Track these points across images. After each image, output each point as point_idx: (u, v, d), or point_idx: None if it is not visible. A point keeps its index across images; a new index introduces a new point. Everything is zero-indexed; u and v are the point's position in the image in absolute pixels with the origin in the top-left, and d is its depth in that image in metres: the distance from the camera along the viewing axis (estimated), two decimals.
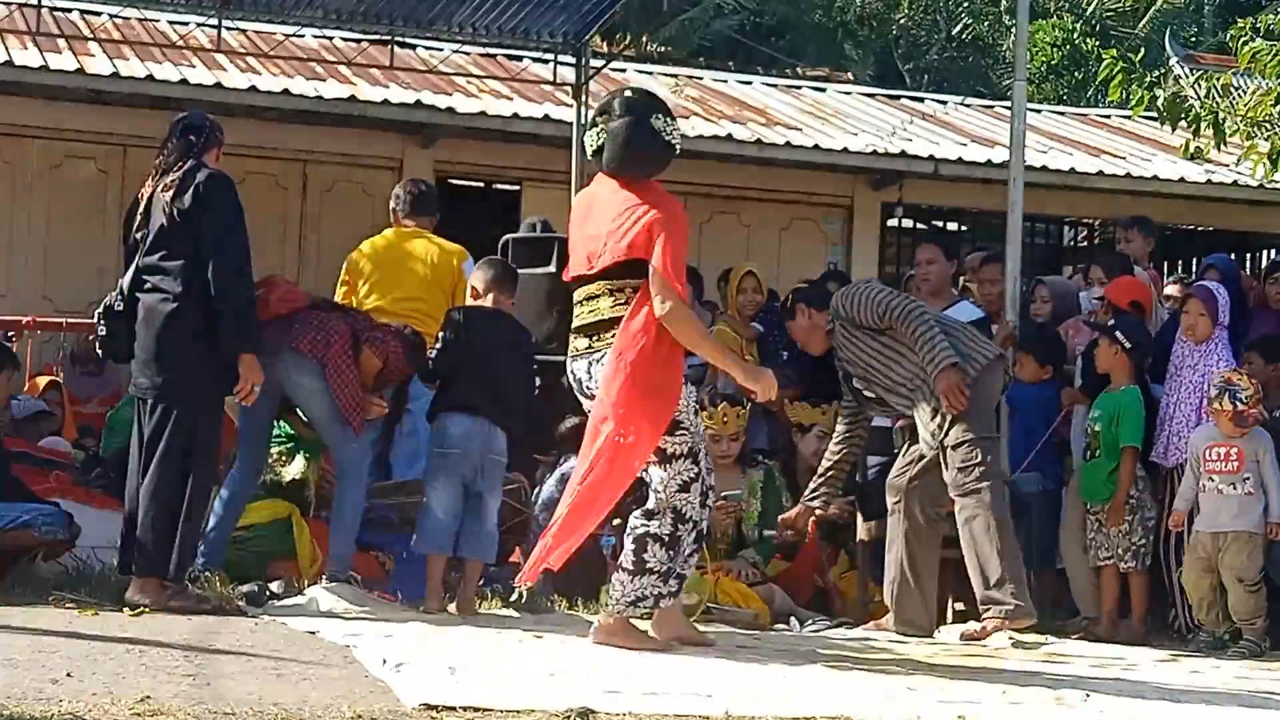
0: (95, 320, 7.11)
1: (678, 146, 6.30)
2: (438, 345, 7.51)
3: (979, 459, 7.47)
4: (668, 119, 6.28)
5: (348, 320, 7.47)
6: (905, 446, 7.74)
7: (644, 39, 21.98)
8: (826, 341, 7.87)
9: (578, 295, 6.35)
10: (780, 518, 8.15)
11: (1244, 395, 7.68)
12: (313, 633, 6.19)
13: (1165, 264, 14.20)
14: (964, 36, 26.64)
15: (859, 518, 8.39)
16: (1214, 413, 7.73)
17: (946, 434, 7.45)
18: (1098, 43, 23.71)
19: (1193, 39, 22.56)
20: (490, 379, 7.28)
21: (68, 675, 4.80)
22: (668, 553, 6.17)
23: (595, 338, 6.23)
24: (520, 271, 8.00)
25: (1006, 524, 7.51)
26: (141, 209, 6.93)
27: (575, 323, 6.34)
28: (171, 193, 6.80)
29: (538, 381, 8.15)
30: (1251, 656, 7.40)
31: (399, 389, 7.66)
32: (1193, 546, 7.77)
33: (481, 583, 7.45)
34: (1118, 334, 8.11)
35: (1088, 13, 24.26)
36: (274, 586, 7.17)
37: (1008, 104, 10.35)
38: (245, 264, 6.84)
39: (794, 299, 8.07)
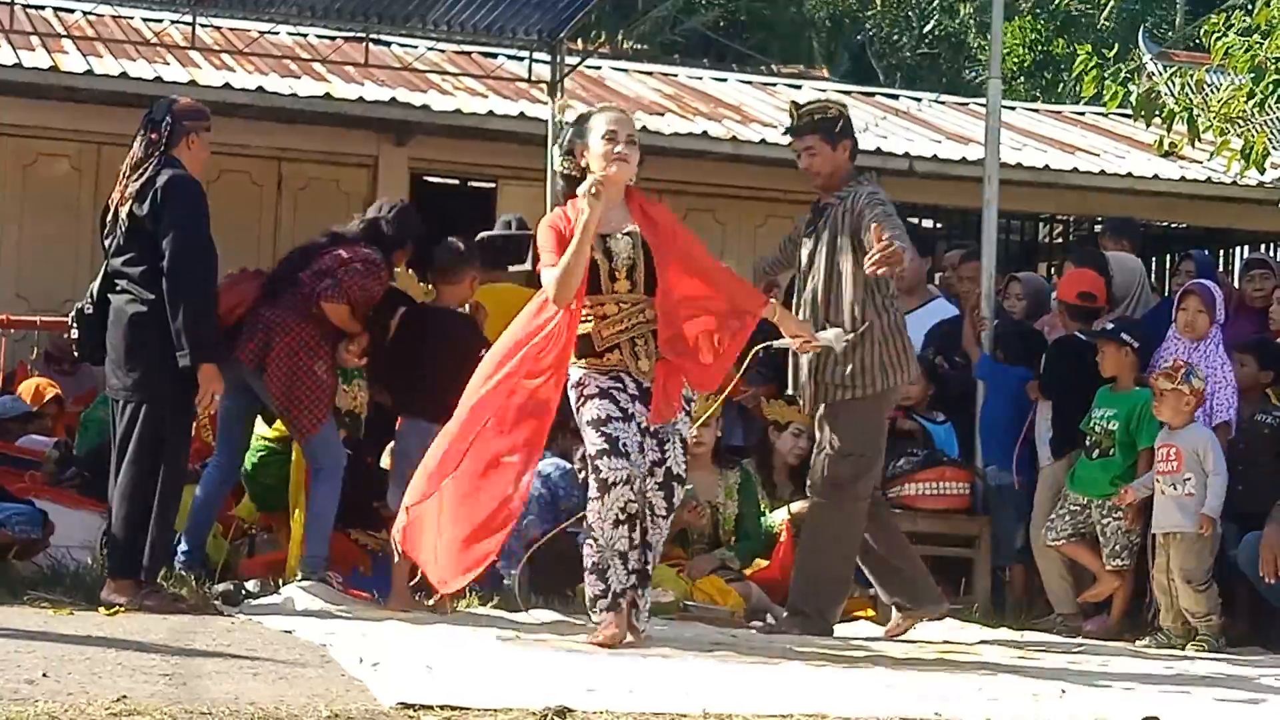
0: (69, 322, 7.09)
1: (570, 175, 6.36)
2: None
3: (849, 471, 7.11)
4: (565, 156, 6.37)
5: (298, 295, 7.37)
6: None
7: (619, 36, 21.95)
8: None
9: None
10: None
11: (1198, 379, 7.65)
12: (289, 632, 6.18)
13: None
14: (936, 34, 26.65)
15: None
16: (1168, 395, 7.61)
17: (831, 432, 7.10)
18: (1063, 36, 23.75)
19: (1156, 31, 22.51)
20: (423, 380, 7.36)
21: (44, 675, 4.78)
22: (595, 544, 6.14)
23: None
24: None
25: (856, 541, 7.22)
26: (111, 213, 6.91)
27: None
28: (131, 199, 6.76)
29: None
30: (1210, 651, 7.38)
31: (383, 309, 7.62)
32: (1158, 549, 7.69)
33: None
34: (1124, 335, 8.00)
35: (1053, 6, 24.23)
36: (250, 585, 7.17)
37: (982, 101, 10.39)
38: (203, 273, 6.77)
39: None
